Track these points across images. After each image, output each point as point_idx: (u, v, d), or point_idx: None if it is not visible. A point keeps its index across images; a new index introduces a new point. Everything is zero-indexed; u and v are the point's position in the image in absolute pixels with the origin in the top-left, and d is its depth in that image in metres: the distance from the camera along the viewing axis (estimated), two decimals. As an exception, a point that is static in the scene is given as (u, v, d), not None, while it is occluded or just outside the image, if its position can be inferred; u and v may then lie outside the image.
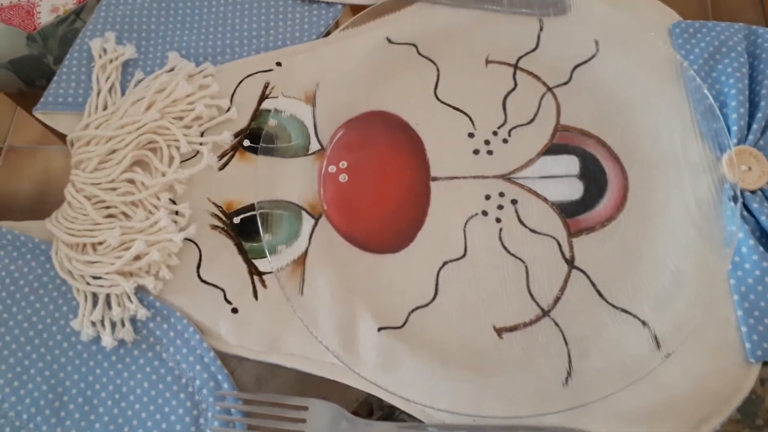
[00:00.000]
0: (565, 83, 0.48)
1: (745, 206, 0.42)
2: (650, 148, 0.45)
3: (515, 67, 0.49)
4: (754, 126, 0.44)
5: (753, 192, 0.43)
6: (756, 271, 0.41)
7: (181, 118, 0.48)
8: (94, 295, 0.43)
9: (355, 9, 0.53)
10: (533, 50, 0.49)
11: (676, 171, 0.44)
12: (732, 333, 0.40)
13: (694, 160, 0.44)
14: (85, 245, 0.44)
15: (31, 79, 0.59)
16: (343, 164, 0.47)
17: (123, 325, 0.42)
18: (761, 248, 0.41)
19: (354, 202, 0.46)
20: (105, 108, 0.49)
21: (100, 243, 0.44)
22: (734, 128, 0.44)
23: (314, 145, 0.47)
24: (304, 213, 0.45)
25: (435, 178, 0.46)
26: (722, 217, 0.42)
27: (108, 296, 0.42)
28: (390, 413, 0.53)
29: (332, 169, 0.47)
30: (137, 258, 0.43)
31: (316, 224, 0.45)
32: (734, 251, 0.41)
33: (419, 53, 0.49)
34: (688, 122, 0.45)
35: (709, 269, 0.41)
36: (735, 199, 0.42)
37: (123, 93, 0.49)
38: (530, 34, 0.49)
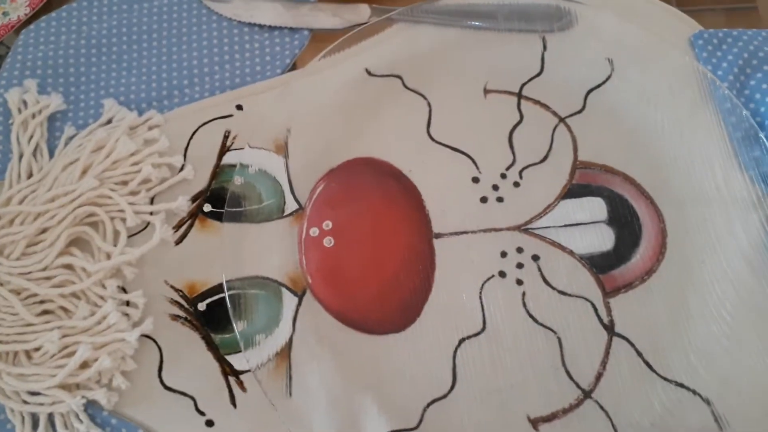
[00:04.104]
0: (579, 112, 0.41)
1: (803, 245, 0.36)
2: (686, 183, 0.39)
3: (519, 95, 0.41)
4: (801, 150, 0.38)
5: (810, 228, 0.37)
6: (825, 323, 0.35)
7: (125, 183, 0.40)
8: (34, 416, 0.36)
9: (324, 37, 0.45)
10: (538, 75, 0.42)
11: (719, 208, 0.38)
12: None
13: (739, 195, 0.38)
14: (16, 353, 0.37)
15: None
16: (328, 225, 0.39)
17: (71, 451, 0.35)
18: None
19: (344, 270, 0.38)
20: (30, 176, 0.41)
21: (36, 349, 0.37)
22: (780, 154, 0.38)
23: (291, 205, 0.39)
24: (284, 290, 0.37)
25: (438, 235, 0.39)
26: (780, 261, 0.36)
27: (51, 416, 0.36)
28: None
29: (314, 231, 0.39)
30: (84, 366, 0.36)
31: (300, 303, 0.37)
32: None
33: (405, 86, 0.42)
34: (725, 149, 0.39)
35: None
36: (794, 240, 0.36)
37: (51, 155, 0.41)
38: (533, 55, 0.42)
